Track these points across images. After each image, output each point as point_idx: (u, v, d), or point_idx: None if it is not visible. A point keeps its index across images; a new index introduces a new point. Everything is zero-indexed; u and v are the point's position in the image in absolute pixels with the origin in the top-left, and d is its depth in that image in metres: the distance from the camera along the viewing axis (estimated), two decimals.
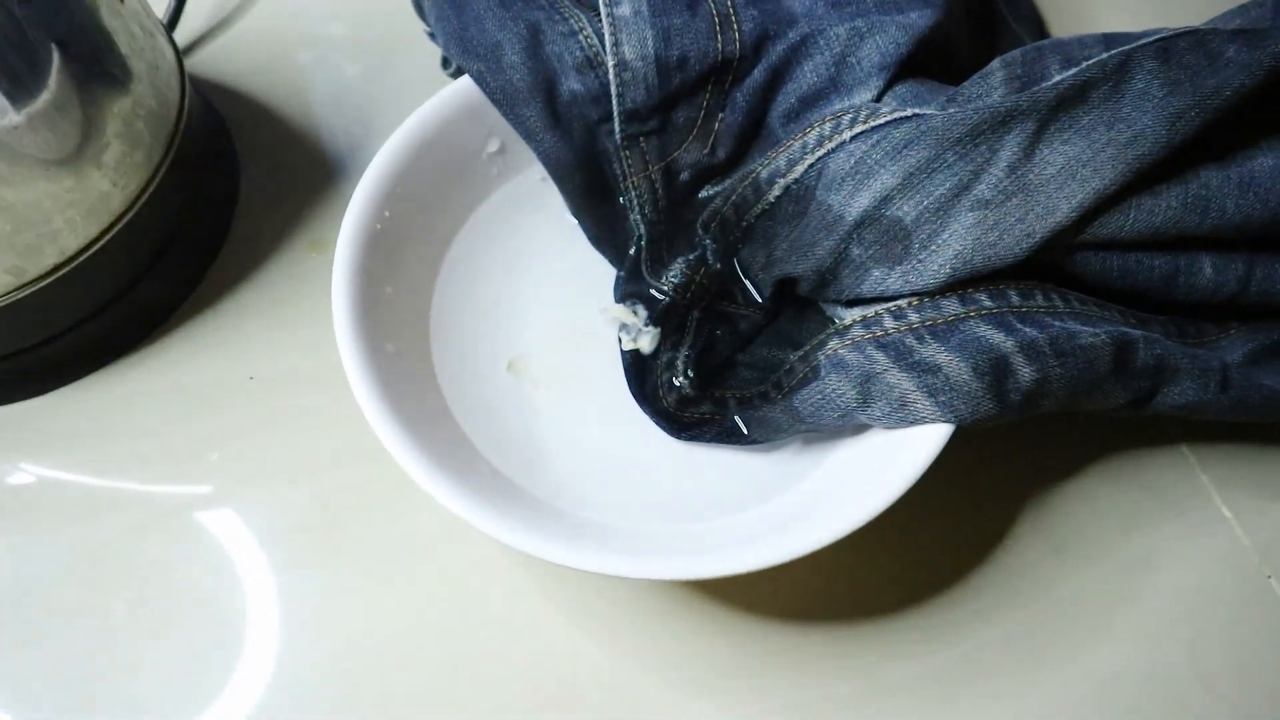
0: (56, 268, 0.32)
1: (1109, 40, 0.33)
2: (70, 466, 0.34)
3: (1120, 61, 0.30)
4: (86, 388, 0.35)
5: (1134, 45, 0.30)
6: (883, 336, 0.30)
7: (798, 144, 0.32)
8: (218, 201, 0.39)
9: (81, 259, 0.32)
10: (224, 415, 0.35)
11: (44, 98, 0.29)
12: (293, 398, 0.35)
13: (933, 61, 0.34)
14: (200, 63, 0.43)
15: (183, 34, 0.44)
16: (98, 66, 0.31)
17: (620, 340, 0.35)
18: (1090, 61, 0.30)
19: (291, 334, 0.37)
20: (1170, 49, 0.30)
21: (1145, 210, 0.29)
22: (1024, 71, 0.32)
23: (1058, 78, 0.30)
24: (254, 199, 0.40)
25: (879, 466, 0.29)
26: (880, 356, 0.29)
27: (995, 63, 0.33)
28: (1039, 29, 0.45)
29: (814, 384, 0.31)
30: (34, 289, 0.32)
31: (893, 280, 0.30)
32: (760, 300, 0.35)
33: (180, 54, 0.36)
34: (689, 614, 0.33)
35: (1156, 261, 0.30)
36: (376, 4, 0.45)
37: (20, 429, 0.35)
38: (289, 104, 0.42)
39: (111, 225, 0.33)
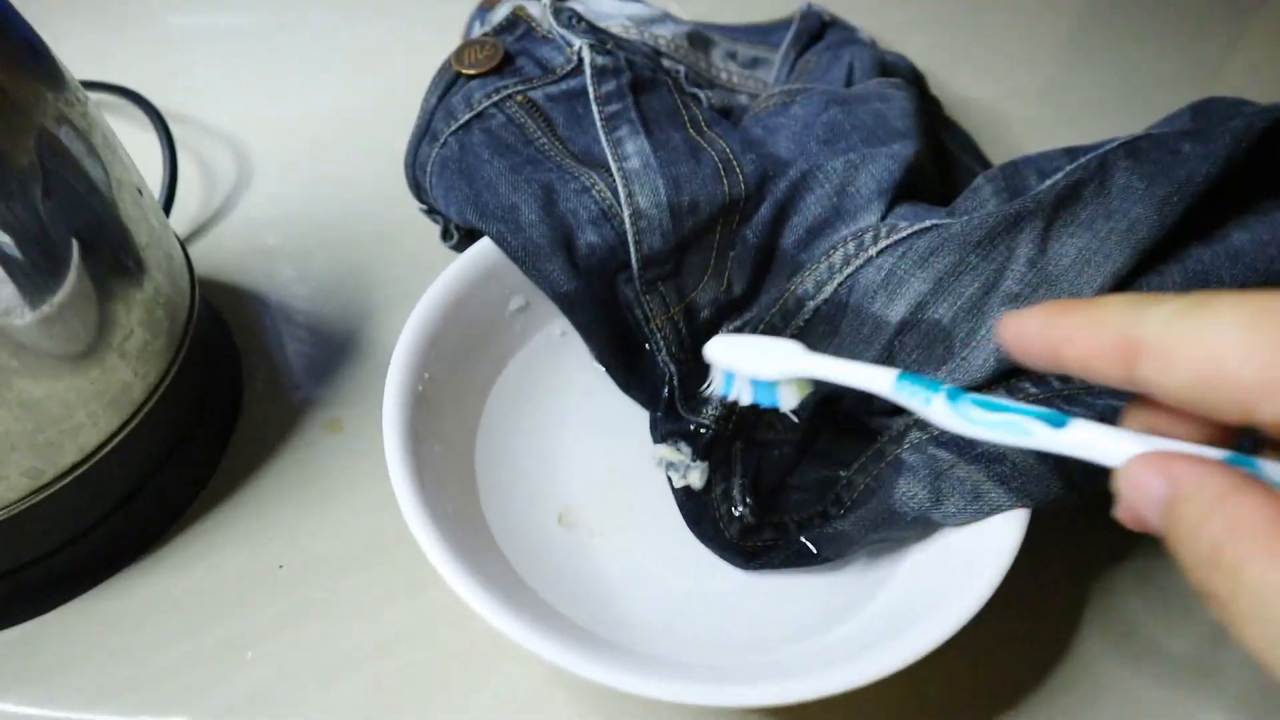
0: (75, 466, 0.30)
1: (1070, 153, 0.36)
2: (91, 692, 0.30)
3: (1099, 163, 0.33)
4: (101, 598, 0.33)
5: (1104, 150, 0.33)
6: (941, 435, 0.30)
7: (824, 266, 0.33)
8: (225, 390, 0.37)
9: (100, 454, 0.30)
10: (256, 610, 0.32)
11: (65, 292, 0.28)
12: (328, 583, 0.33)
13: (915, 188, 0.37)
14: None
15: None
16: (120, 257, 0.30)
17: (670, 480, 0.34)
18: (1071, 166, 0.33)
19: (318, 517, 0.35)
20: (1136, 148, 0.33)
21: (1154, 288, 0.32)
22: (1007, 185, 0.35)
23: (1050, 181, 0.32)
24: (258, 387, 0.39)
25: (961, 564, 0.29)
26: (944, 454, 0.30)
27: (979, 179, 0.36)
28: (977, 156, 0.49)
29: (880, 492, 0.31)
30: (50, 491, 0.29)
31: (940, 380, 0.31)
32: (798, 422, 0.35)
33: (182, 243, 0.36)
34: None
35: None
36: (358, 193, 0.46)
37: (28, 655, 0.31)
38: (281, 294, 0.42)
39: (132, 416, 0.31)
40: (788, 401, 0.29)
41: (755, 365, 0.29)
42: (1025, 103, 0.56)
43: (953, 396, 0.24)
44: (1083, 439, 0.21)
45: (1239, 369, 0.17)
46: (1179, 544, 0.18)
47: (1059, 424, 0.22)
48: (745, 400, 0.30)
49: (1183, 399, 0.18)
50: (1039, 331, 0.21)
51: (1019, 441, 0.22)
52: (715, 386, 0.30)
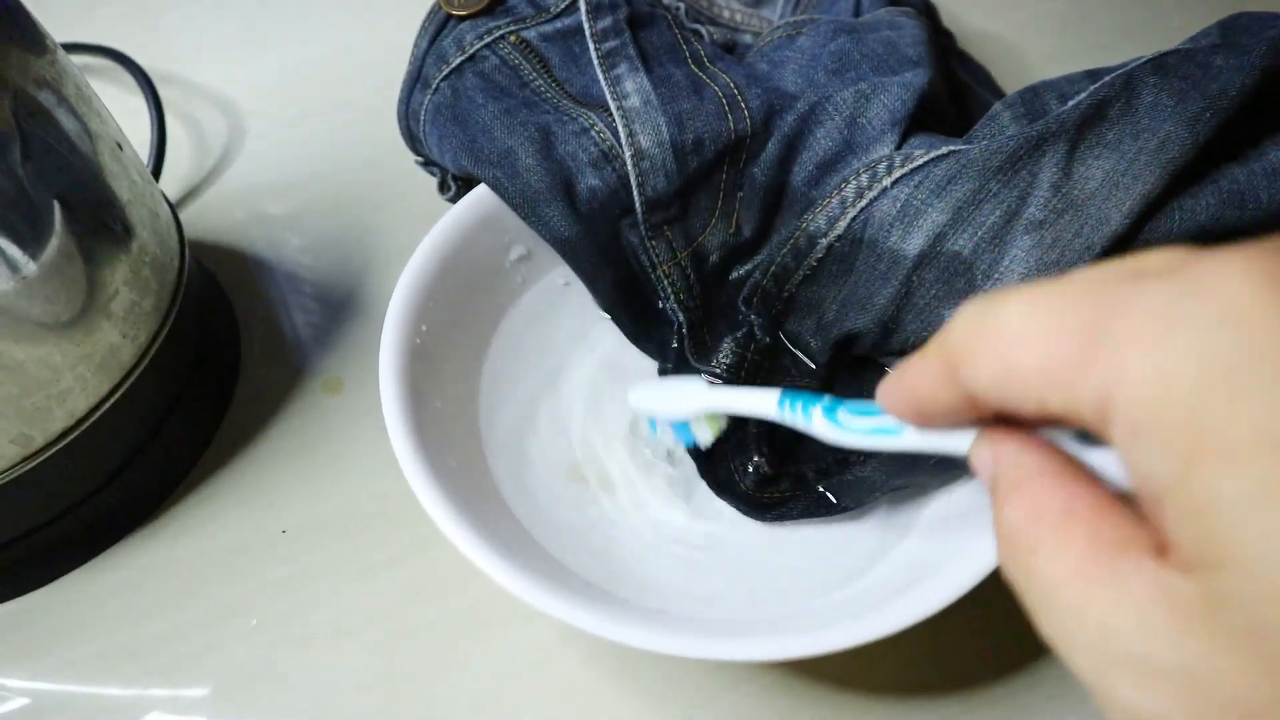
0: (65, 432, 0.29)
1: (1093, 75, 0.34)
2: (94, 663, 0.30)
3: (1125, 81, 0.31)
4: (99, 568, 0.32)
5: (1130, 66, 0.31)
6: None
7: (835, 200, 0.32)
8: (221, 353, 0.36)
9: (91, 420, 0.29)
10: (259, 575, 0.32)
11: (48, 255, 0.27)
12: (332, 545, 0.32)
13: (930, 119, 0.35)
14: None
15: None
16: (102, 216, 0.29)
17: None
18: (1096, 85, 0.31)
19: (319, 479, 0.34)
20: (1164, 64, 0.31)
21: (1188, 211, 0.30)
22: (1026, 110, 0.34)
23: (1074, 101, 0.30)
24: (256, 350, 0.38)
25: (983, 512, 0.28)
26: None
27: (996, 106, 0.34)
28: (992, 87, 0.47)
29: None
30: (41, 459, 0.28)
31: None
32: (815, 367, 0.33)
33: (170, 202, 0.35)
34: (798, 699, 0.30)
35: None
36: (353, 148, 0.45)
37: (28, 626, 0.31)
38: (275, 255, 0.41)
39: (122, 380, 0.30)
40: (703, 437, 0.30)
41: (666, 407, 0.30)
42: (1043, 34, 0.54)
43: (829, 408, 0.24)
44: (941, 436, 0.20)
45: (1023, 360, 0.16)
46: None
47: None
48: (669, 441, 0.31)
49: (991, 399, 0.17)
50: (902, 398, 0.20)
51: (892, 444, 0.22)
52: (644, 430, 0.31)
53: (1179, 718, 0.14)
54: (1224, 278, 0.14)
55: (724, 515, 0.32)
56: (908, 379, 0.19)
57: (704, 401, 0.29)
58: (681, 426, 0.30)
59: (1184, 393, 0.14)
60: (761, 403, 0.26)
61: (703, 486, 0.32)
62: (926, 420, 0.20)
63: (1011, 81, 0.48)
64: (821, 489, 0.31)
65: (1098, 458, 0.18)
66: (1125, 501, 0.16)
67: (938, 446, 0.20)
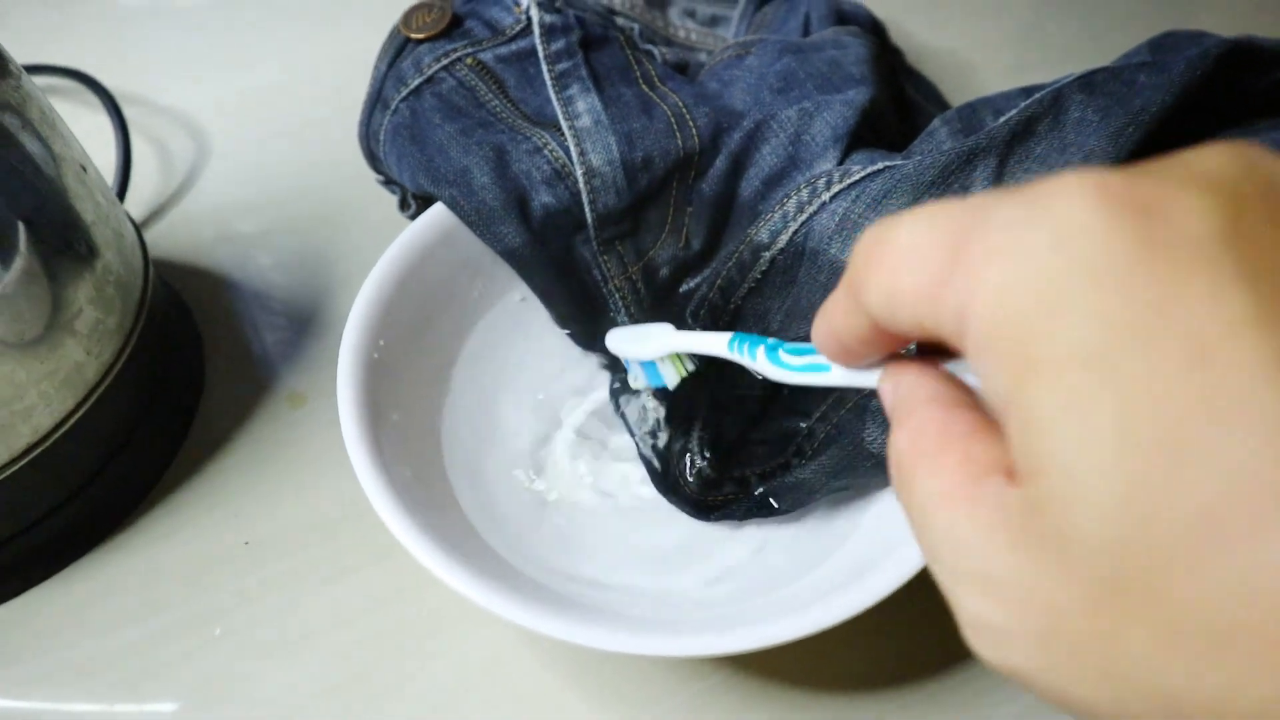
0: (30, 448, 0.30)
1: (1028, 92, 0.36)
2: (58, 679, 0.30)
3: (1053, 97, 0.32)
4: (63, 582, 0.32)
5: (1059, 84, 0.33)
6: None
7: (777, 215, 0.33)
8: (186, 369, 0.37)
9: (56, 436, 0.30)
10: (223, 587, 0.32)
11: (12, 275, 0.28)
12: (295, 555, 0.33)
13: (871, 135, 0.37)
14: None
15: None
16: (66, 236, 0.30)
17: (636, 443, 0.34)
18: (1027, 102, 0.32)
19: (283, 491, 0.35)
20: (1092, 81, 0.33)
21: None
22: (964, 126, 0.35)
23: (1004, 117, 0.32)
24: (221, 366, 0.38)
25: None
26: None
27: (935, 122, 0.35)
28: (940, 103, 0.48)
29: (841, 439, 0.31)
30: (5, 475, 0.29)
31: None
32: (762, 378, 0.35)
33: (135, 222, 0.36)
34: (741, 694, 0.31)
35: None
36: (316, 168, 0.46)
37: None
38: (240, 273, 0.42)
39: (87, 397, 0.31)
40: (670, 378, 0.32)
41: (637, 349, 0.33)
42: (991, 51, 0.55)
43: (771, 349, 0.26)
44: (861, 372, 0.21)
45: (903, 279, 0.17)
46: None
47: None
48: (641, 384, 0.34)
49: (882, 320, 0.18)
50: (823, 330, 0.20)
51: (821, 379, 0.23)
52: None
53: (1011, 625, 0.15)
54: (1063, 198, 0.14)
55: (674, 518, 0.33)
56: (825, 310, 0.20)
57: (668, 342, 0.32)
58: (650, 368, 0.32)
59: (1018, 310, 0.14)
60: (715, 343, 0.29)
61: (652, 492, 0.33)
62: (848, 352, 0.20)
63: (961, 97, 0.49)
64: (762, 491, 0.32)
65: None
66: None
67: (857, 381, 0.21)
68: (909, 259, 0.16)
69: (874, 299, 0.17)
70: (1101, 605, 0.13)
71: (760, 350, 0.26)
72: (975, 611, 0.16)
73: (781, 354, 0.25)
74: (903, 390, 0.19)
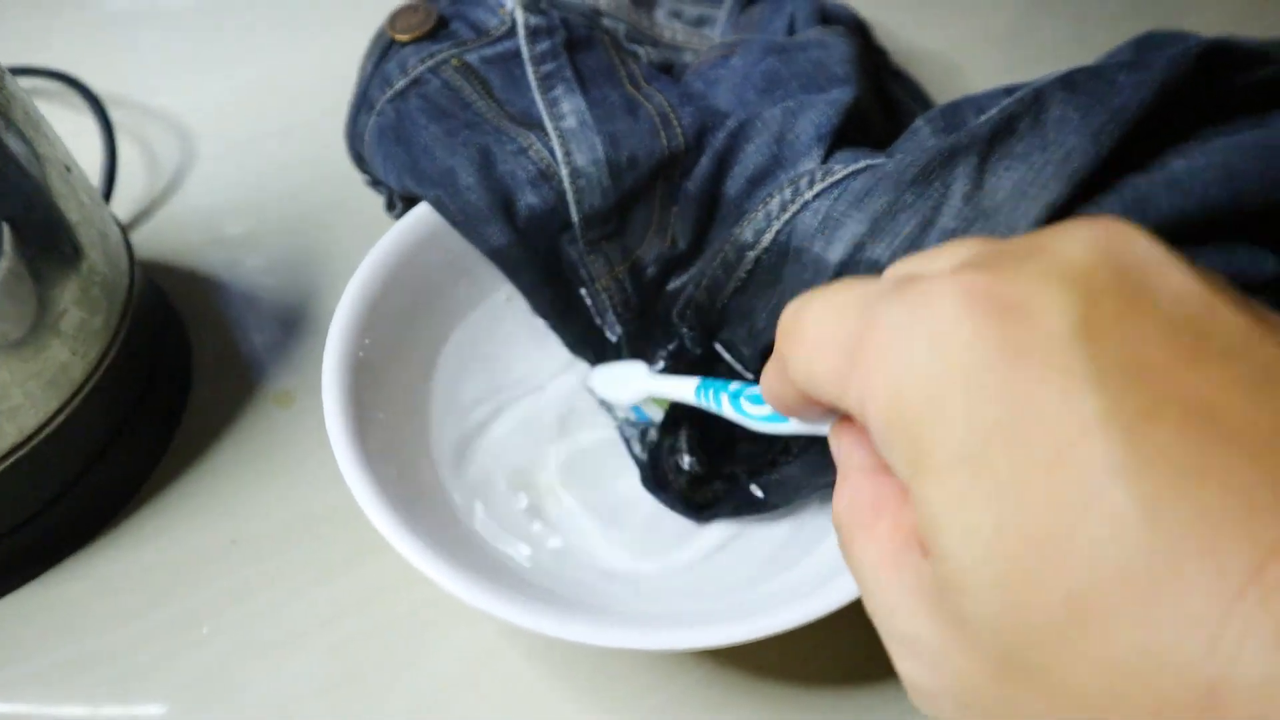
0: (14, 448, 0.30)
1: (1010, 90, 0.36)
2: (44, 680, 0.30)
3: (1034, 96, 0.32)
4: (49, 584, 0.32)
5: (1040, 83, 0.33)
6: None
7: (761, 214, 0.33)
8: (173, 369, 0.37)
9: (41, 436, 0.30)
10: (210, 586, 0.32)
11: None
12: (281, 555, 0.33)
13: (856, 134, 0.37)
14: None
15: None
16: (51, 237, 0.30)
17: (626, 442, 0.34)
18: (1008, 100, 0.33)
19: (270, 490, 0.35)
20: (1073, 80, 0.33)
21: None
22: (946, 124, 0.35)
23: (985, 116, 0.32)
24: (208, 366, 0.38)
25: None
26: None
27: (918, 121, 0.35)
28: (924, 102, 0.49)
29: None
30: None
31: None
32: (750, 376, 0.35)
33: (120, 223, 0.36)
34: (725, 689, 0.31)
35: None
36: (303, 169, 0.46)
37: None
38: (227, 273, 0.42)
39: (72, 397, 0.31)
40: (655, 415, 0.34)
41: (616, 394, 0.34)
42: (976, 51, 0.56)
43: (734, 396, 0.27)
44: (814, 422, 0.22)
45: (814, 364, 0.18)
46: None
47: None
48: (628, 416, 0.35)
49: (803, 389, 0.19)
50: (766, 391, 0.22)
51: (781, 429, 0.24)
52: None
53: (934, 686, 0.16)
54: (937, 299, 0.15)
55: (662, 516, 0.33)
56: (766, 375, 0.21)
57: (643, 387, 0.33)
58: (635, 408, 0.34)
59: (905, 411, 0.15)
60: (684, 389, 0.30)
61: (638, 489, 0.33)
62: (789, 411, 0.21)
63: (947, 97, 0.49)
64: (752, 487, 0.32)
65: None
66: None
67: (812, 431, 0.22)
68: (818, 348, 0.18)
69: (796, 375, 0.19)
70: (1002, 675, 0.15)
71: (725, 397, 0.27)
72: (905, 671, 0.17)
73: (743, 402, 0.26)
74: (841, 453, 0.20)
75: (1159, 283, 0.15)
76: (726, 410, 0.27)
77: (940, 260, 0.17)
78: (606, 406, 0.36)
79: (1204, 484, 0.13)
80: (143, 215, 0.44)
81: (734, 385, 0.27)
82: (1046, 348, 0.14)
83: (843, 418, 0.21)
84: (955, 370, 0.15)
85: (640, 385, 0.33)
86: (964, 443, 0.14)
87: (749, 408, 0.26)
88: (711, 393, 0.28)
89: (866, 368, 0.16)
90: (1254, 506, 0.13)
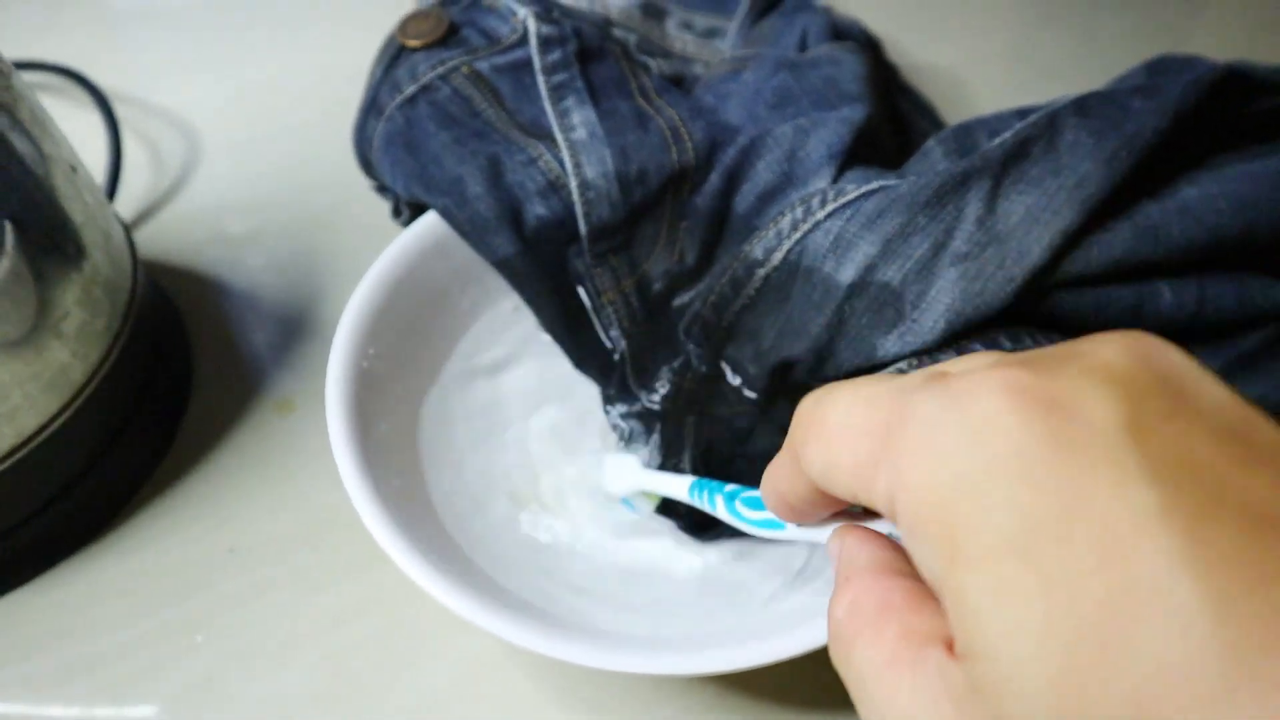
0: (13, 450, 0.29)
1: (1022, 114, 0.36)
2: (39, 683, 0.30)
3: (1048, 120, 0.32)
4: (45, 587, 0.32)
5: (1054, 107, 0.33)
6: None
7: (772, 232, 0.33)
8: (173, 373, 0.37)
9: (40, 438, 0.30)
10: (207, 592, 0.32)
11: None
12: (279, 563, 0.33)
13: (867, 152, 0.37)
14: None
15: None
16: (54, 237, 0.30)
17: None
18: (1021, 124, 0.32)
19: (268, 498, 0.34)
20: (1086, 105, 0.33)
21: (1104, 245, 0.31)
22: (958, 145, 0.35)
23: (999, 139, 0.32)
24: (209, 369, 0.38)
25: None
26: None
27: (930, 142, 0.35)
28: (934, 120, 0.48)
29: None
30: None
31: (890, 344, 0.31)
32: (754, 395, 0.35)
33: (124, 223, 0.35)
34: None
35: (1123, 293, 0.32)
36: (309, 172, 0.46)
37: None
38: (230, 276, 0.41)
39: (72, 399, 0.30)
40: (643, 509, 0.33)
41: (614, 486, 0.34)
42: (986, 67, 0.56)
43: (729, 498, 0.26)
44: (812, 529, 0.22)
45: (838, 456, 0.18)
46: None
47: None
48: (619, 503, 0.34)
49: (823, 487, 0.18)
50: (771, 491, 0.21)
51: (778, 535, 0.24)
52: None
53: None
54: (978, 392, 0.15)
55: (661, 535, 0.33)
56: (771, 472, 0.21)
57: (636, 481, 0.33)
58: (624, 500, 0.34)
59: (943, 503, 0.15)
60: (676, 487, 0.30)
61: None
62: (795, 511, 0.21)
63: (955, 114, 0.50)
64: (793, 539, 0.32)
65: None
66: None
67: (809, 538, 0.22)
68: (843, 439, 0.18)
69: (813, 468, 0.18)
70: None
71: (719, 499, 0.27)
72: None
73: (739, 505, 0.26)
74: (845, 555, 0.19)
75: (1198, 389, 0.15)
76: (720, 512, 0.27)
77: (972, 362, 0.17)
78: (608, 390, 0.36)
79: (1274, 582, 0.13)
80: (146, 214, 0.44)
81: (729, 487, 0.26)
82: (1095, 442, 0.14)
83: (844, 522, 0.20)
84: (1000, 460, 0.15)
85: (631, 480, 0.33)
86: (1010, 532, 0.14)
87: (745, 511, 0.25)
88: (706, 493, 0.28)
89: (900, 457, 0.16)
90: None
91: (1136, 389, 0.15)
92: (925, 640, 0.16)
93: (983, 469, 0.15)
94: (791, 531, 0.22)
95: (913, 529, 0.16)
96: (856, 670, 0.17)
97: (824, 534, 0.21)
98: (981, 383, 0.16)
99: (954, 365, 0.18)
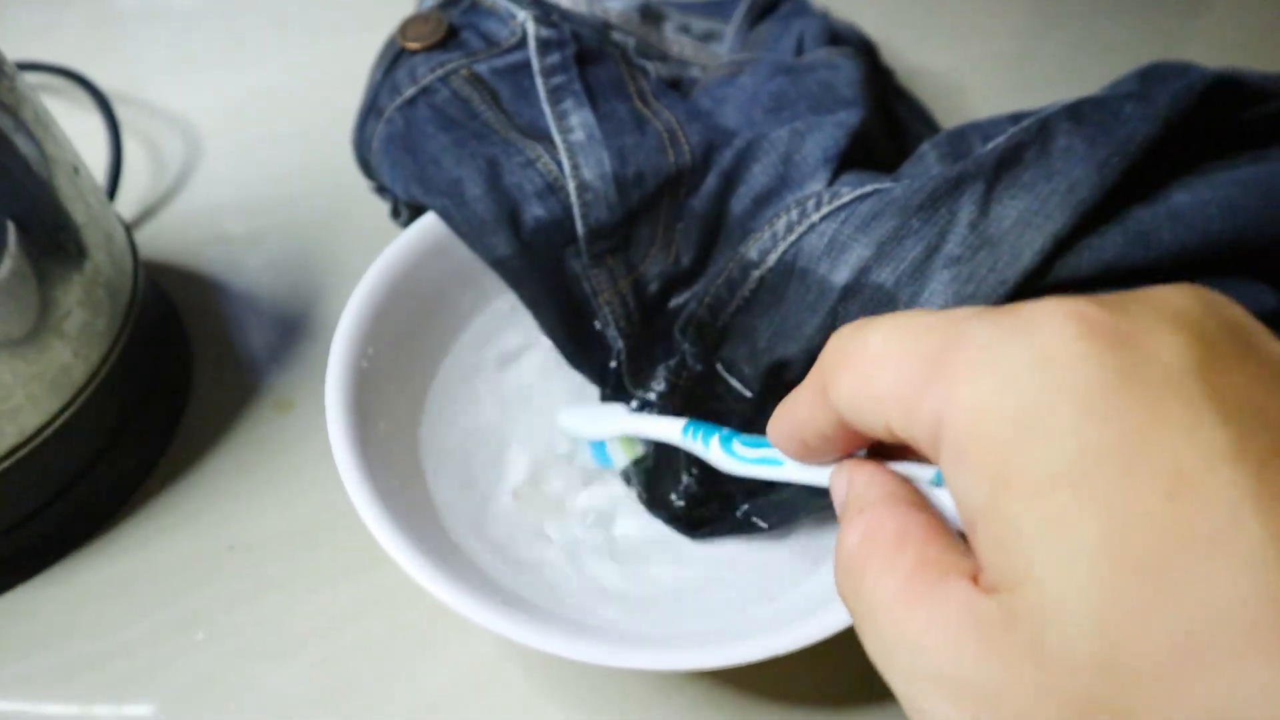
0: (15, 449, 0.30)
1: (1016, 118, 0.36)
2: (38, 681, 0.30)
3: (1040, 126, 0.33)
4: (45, 584, 0.32)
5: (1046, 113, 0.33)
6: None
7: (767, 234, 0.33)
8: (173, 372, 0.37)
9: (41, 437, 0.30)
10: (206, 590, 0.32)
11: (2, 275, 0.28)
12: (279, 562, 0.33)
13: (862, 155, 0.37)
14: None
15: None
16: (57, 237, 0.30)
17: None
18: (1014, 129, 0.33)
19: (267, 496, 0.35)
20: (1079, 110, 0.33)
21: (1096, 249, 0.32)
22: (951, 149, 0.35)
23: (992, 144, 0.32)
24: (209, 369, 0.38)
25: None
26: None
27: (924, 146, 0.36)
28: (930, 124, 0.49)
29: None
30: None
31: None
32: (749, 395, 0.35)
33: (125, 224, 0.36)
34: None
35: None
36: (309, 174, 0.46)
37: None
38: (230, 276, 0.42)
39: (74, 399, 0.31)
40: (618, 459, 0.33)
41: (589, 428, 0.33)
42: (982, 72, 0.56)
43: (725, 439, 0.26)
44: (813, 468, 0.22)
45: (876, 382, 0.17)
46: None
47: None
48: (587, 460, 0.34)
49: (850, 418, 0.18)
50: (784, 422, 0.21)
51: (775, 474, 0.23)
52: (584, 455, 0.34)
53: None
54: (1046, 321, 0.15)
55: (659, 533, 0.33)
56: (789, 404, 0.20)
57: (621, 424, 0.32)
58: (599, 449, 0.33)
59: (998, 425, 0.15)
60: (669, 429, 0.29)
61: (639, 508, 0.33)
62: (806, 448, 0.21)
63: (951, 118, 0.50)
64: (747, 508, 0.32)
65: (942, 497, 0.19)
66: (957, 533, 0.17)
67: (810, 479, 0.22)
68: (885, 364, 0.17)
69: (843, 398, 0.18)
70: (1073, 719, 0.13)
71: (714, 440, 0.26)
72: (935, 714, 0.15)
73: (735, 445, 0.25)
74: (857, 487, 0.19)
75: (1261, 340, 0.15)
76: (715, 453, 0.26)
77: (1031, 301, 0.17)
78: (605, 390, 0.36)
79: None
80: (147, 214, 0.44)
81: (724, 429, 0.26)
82: (1168, 379, 0.14)
83: (851, 458, 0.20)
84: (1065, 388, 0.14)
85: (618, 423, 0.32)
86: (1070, 461, 0.14)
87: (742, 450, 0.25)
88: (700, 435, 0.27)
89: (950, 382, 0.16)
90: None
91: (1207, 333, 0.15)
92: (945, 571, 0.16)
93: (1045, 395, 0.14)
94: (789, 470, 0.22)
95: (958, 455, 0.15)
96: (866, 601, 0.17)
97: (823, 475, 0.21)
98: (1051, 312, 0.15)
99: (1012, 304, 0.17)
